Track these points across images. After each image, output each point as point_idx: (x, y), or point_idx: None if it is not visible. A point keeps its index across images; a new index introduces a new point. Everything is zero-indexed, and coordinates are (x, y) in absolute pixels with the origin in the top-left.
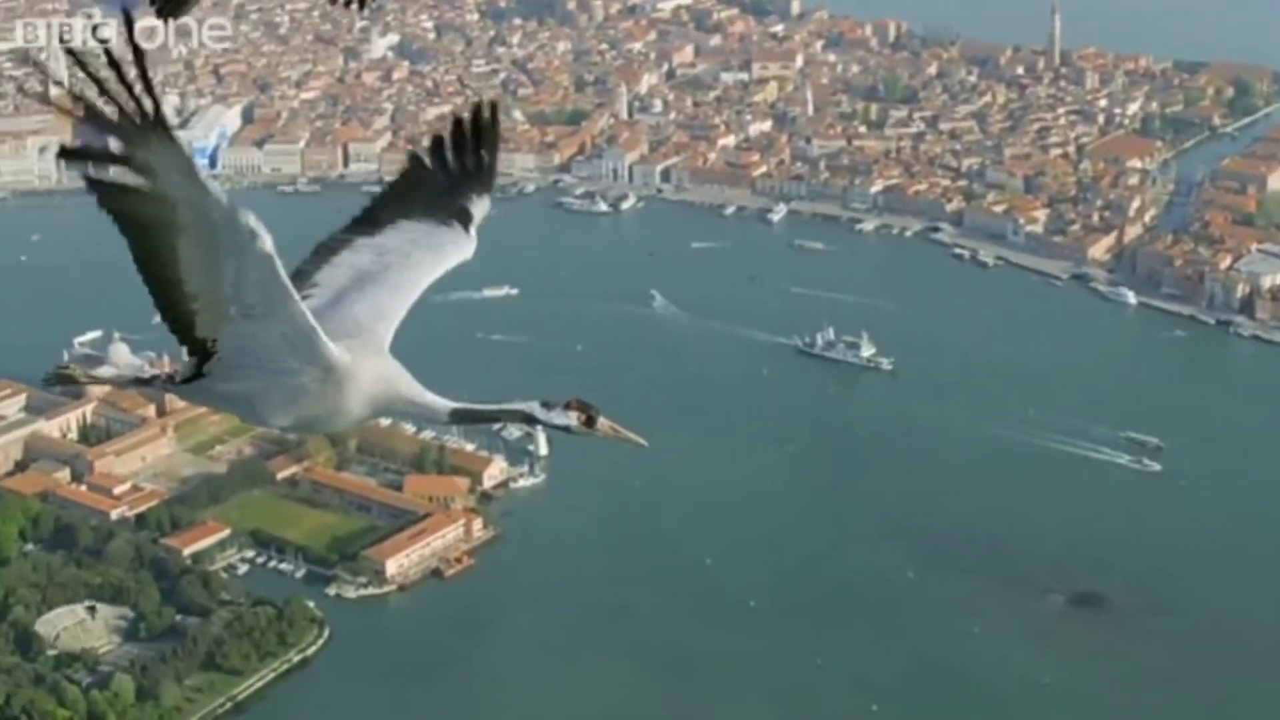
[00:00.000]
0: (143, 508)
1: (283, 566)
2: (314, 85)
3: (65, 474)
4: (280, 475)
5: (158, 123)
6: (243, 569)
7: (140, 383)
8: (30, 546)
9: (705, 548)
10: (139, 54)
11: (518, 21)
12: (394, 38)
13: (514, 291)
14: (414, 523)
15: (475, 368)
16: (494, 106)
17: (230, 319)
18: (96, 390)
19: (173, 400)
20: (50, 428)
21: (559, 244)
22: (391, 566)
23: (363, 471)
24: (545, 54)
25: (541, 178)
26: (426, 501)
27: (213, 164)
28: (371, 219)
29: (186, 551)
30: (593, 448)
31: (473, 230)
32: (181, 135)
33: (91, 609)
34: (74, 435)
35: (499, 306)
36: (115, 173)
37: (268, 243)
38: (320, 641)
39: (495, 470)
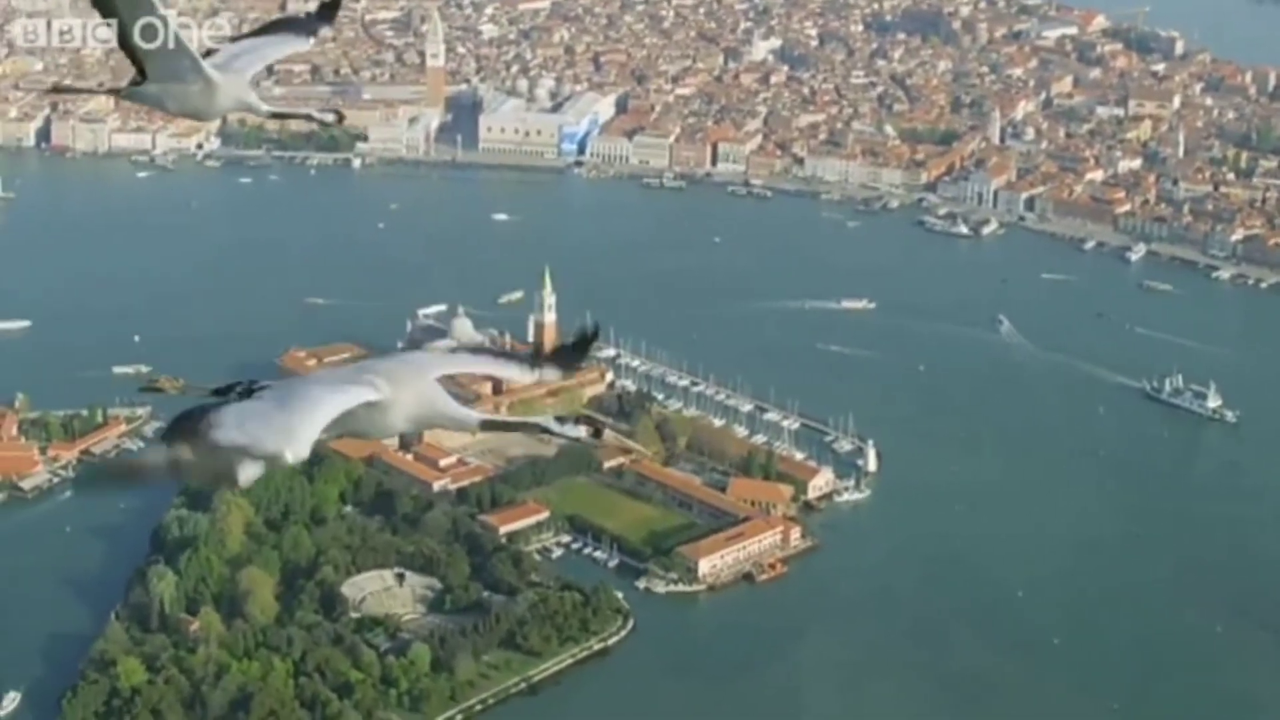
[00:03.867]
0: (465, 482)
1: (596, 555)
2: (691, 81)
3: (393, 441)
4: (607, 465)
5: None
6: (556, 553)
7: (218, 392)
8: (349, 509)
9: (1018, 579)
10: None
11: (901, 36)
12: (776, 42)
13: (871, 305)
14: (732, 525)
15: (808, 376)
16: (596, 333)
17: None
18: None
19: (510, 379)
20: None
21: (916, 262)
22: (704, 566)
23: (689, 469)
24: (925, 71)
25: (906, 195)
26: (748, 505)
27: (581, 150)
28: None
29: (502, 530)
30: (925, 468)
31: (538, 372)
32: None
33: (400, 576)
34: None
35: (851, 318)
36: None
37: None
38: (623, 632)
39: (821, 481)
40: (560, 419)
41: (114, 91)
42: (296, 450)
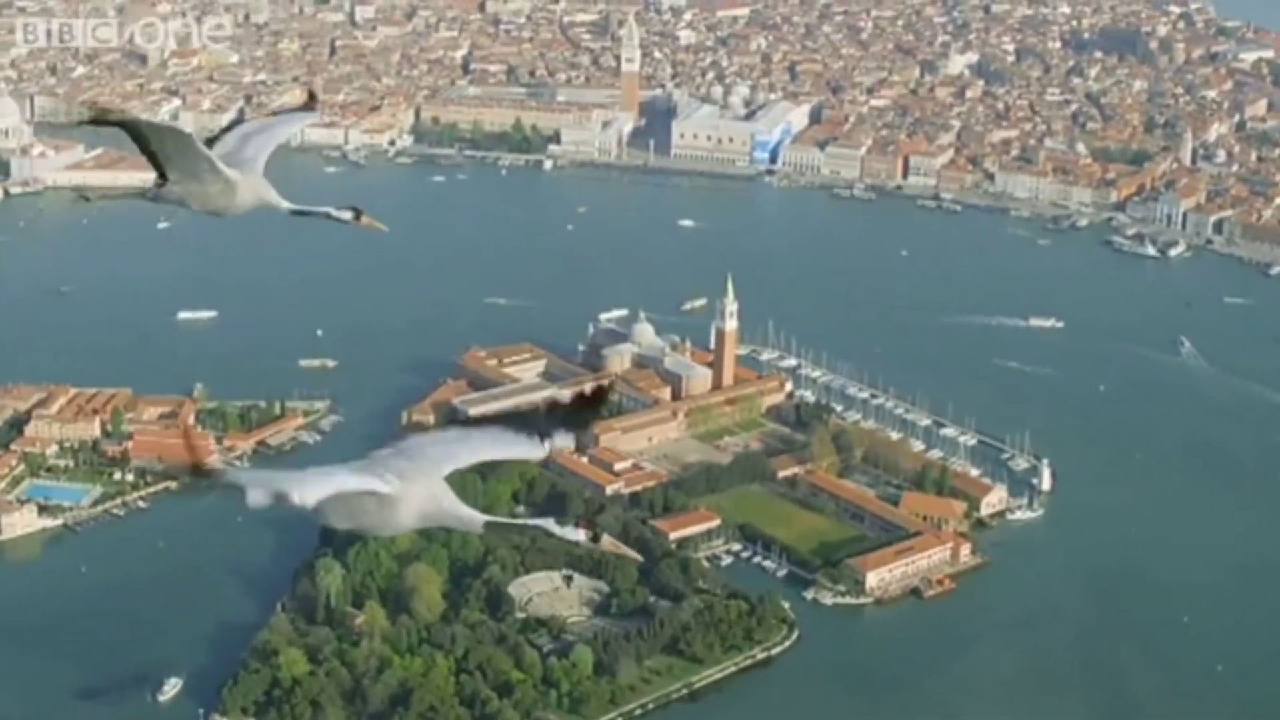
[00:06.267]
0: (639, 486)
1: (765, 564)
2: (885, 93)
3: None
4: (781, 474)
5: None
6: (725, 560)
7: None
8: (521, 508)
9: (1185, 605)
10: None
11: (1098, 55)
12: (973, 56)
13: (1060, 324)
14: (903, 539)
15: (987, 392)
16: (610, 387)
17: None
18: (615, 365)
19: (689, 386)
20: (565, 397)
21: (1102, 282)
22: (873, 579)
23: (863, 481)
24: (1120, 90)
25: (1095, 213)
26: (920, 520)
27: (773, 159)
28: (474, 421)
29: (673, 535)
30: (1100, 488)
31: (548, 445)
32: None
33: (568, 578)
34: None
35: (1034, 336)
36: None
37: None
38: (787, 642)
39: (995, 498)
40: (560, 522)
41: (140, 194)
42: (303, 494)
